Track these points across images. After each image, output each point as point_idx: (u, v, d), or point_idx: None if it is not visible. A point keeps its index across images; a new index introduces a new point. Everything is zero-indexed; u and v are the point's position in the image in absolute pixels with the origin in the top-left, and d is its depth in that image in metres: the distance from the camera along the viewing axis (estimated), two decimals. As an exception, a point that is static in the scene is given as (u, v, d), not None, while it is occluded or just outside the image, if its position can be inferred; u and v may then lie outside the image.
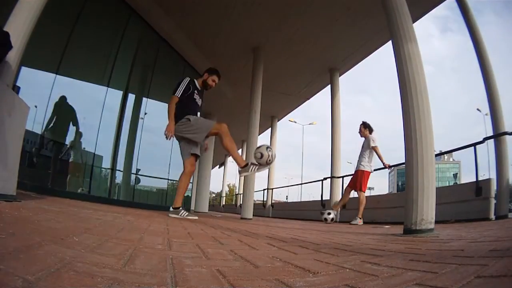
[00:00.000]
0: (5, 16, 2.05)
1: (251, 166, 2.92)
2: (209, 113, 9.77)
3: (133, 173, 5.70)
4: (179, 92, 3.12)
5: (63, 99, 4.33)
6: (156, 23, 5.69)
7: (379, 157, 4.73)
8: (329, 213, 4.85)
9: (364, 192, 4.69)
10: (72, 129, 4.52)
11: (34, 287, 0.46)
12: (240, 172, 3.02)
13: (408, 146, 2.22)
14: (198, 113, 3.31)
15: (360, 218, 4.47)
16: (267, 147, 2.94)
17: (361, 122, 4.99)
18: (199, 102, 3.34)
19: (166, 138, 3.06)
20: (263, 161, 2.88)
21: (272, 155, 2.89)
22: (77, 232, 1.06)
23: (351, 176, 5.04)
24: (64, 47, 4.10)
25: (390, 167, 4.97)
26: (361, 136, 4.90)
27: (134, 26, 5.37)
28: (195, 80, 3.33)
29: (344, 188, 5.13)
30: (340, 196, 6.44)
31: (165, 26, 5.85)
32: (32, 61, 3.64)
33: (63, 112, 4.38)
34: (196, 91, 3.28)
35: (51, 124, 4.17)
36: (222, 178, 19.97)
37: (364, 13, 5.35)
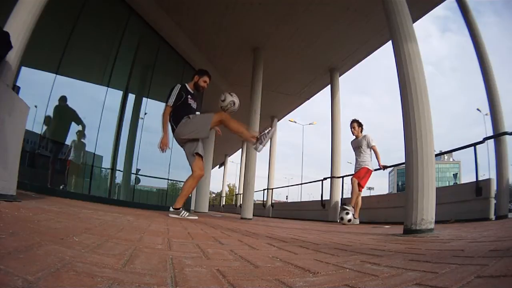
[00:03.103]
0: (5, 16, 2.05)
1: (262, 137, 2.95)
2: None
3: (133, 173, 5.70)
4: (171, 101, 3.07)
5: (63, 99, 4.33)
6: (156, 23, 5.69)
7: (377, 156, 4.70)
8: (347, 213, 4.44)
9: (363, 187, 4.66)
10: (72, 129, 4.52)
11: (34, 287, 0.46)
12: (256, 149, 3.00)
13: (408, 146, 2.22)
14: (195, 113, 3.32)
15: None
16: (230, 93, 3.17)
17: (354, 120, 4.85)
18: (194, 105, 3.28)
19: (161, 151, 3.04)
20: (236, 108, 3.15)
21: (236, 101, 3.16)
22: (77, 232, 1.06)
23: (355, 173, 4.77)
24: (64, 47, 4.10)
25: (385, 168, 4.92)
26: (355, 135, 4.81)
27: (134, 26, 5.37)
28: (186, 85, 3.28)
29: (350, 189, 4.96)
30: (341, 196, 6.45)
31: (165, 26, 5.85)
32: (32, 61, 3.64)
33: (64, 113, 4.39)
34: (189, 96, 3.23)
35: (52, 126, 4.17)
36: (222, 178, 20.00)
37: (364, 13, 5.35)
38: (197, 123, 3.07)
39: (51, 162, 4.25)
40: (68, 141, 4.55)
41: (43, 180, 4.14)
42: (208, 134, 3.05)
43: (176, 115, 3.12)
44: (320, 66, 7.27)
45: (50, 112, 4.10)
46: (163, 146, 3.02)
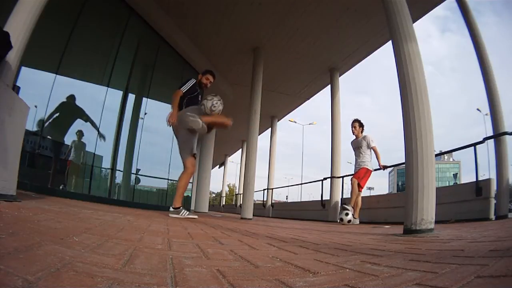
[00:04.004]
0: (5, 16, 2.05)
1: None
2: (209, 113, 9.75)
3: (133, 173, 5.70)
4: (184, 88, 3.23)
5: (71, 97, 4.36)
6: (156, 23, 5.68)
7: (377, 157, 4.70)
8: (347, 214, 4.41)
9: (362, 188, 4.66)
10: (73, 129, 4.53)
11: (34, 287, 0.46)
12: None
13: (408, 146, 2.22)
14: None
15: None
16: (212, 98, 3.19)
17: (355, 120, 4.85)
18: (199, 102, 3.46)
19: (168, 125, 3.12)
20: (217, 109, 3.20)
21: (218, 103, 3.21)
22: (77, 232, 1.06)
23: (355, 174, 4.78)
24: (64, 47, 4.10)
25: (385, 168, 4.91)
26: (355, 135, 4.80)
27: (134, 26, 5.37)
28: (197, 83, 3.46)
29: (350, 189, 4.93)
30: (341, 196, 6.45)
31: (165, 26, 5.85)
32: (32, 61, 3.64)
33: (69, 110, 4.40)
34: (199, 94, 3.44)
35: (53, 123, 4.17)
36: (222, 178, 20.00)
37: (364, 13, 5.35)
38: (197, 112, 3.20)
39: (54, 162, 4.26)
40: (69, 141, 4.56)
41: (43, 180, 4.14)
42: (199, 125, 3.09)
43: (187, 107, 3.25)
44: (320, 66, 7.26)
45: (51, 112, 4.10)
46: (170, 119, 3.12)
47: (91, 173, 4.89)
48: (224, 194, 21.63)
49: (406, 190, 2.18)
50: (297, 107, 10.18)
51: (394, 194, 16.84)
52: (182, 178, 3.20)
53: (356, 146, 4.77)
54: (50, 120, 4.11)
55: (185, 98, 3.26)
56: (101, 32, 4.99)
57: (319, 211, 6.79)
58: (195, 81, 3.36)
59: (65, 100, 4.31)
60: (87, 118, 4.57)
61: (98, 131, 4.61)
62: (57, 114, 4.19)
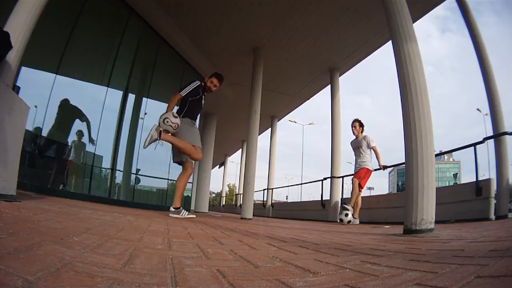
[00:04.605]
0: (5, 16, 2.05)
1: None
2: (210, 113, 9.77)
3: (133, 173, 5.70)
4: (184, 92, 3.17)
5: (66, 100, 4.36)
6: (156, 23, 5.69)
7: (377, 157, 4.70)
8: (346, 214, 4.38)
9: (363, 188, 4.66)
10: (74, 129, 4.54)
11: (34, 287, 0.46)
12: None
13: (408, 146, 2.22)
14: (198, 115, 3.44)
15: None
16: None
17: (356, 120, 4.86)
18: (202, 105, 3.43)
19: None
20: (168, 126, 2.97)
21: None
22: (77, 232, 1.06)
23: (355, 174, 4.79)
24: (64, 47, 4.10)
25: (385, 168, 4.91)
26: (355, 134, 4.81)
27: (134, 26, 5.37)
28: (202, 85, 3.40)
29: (351, 188, 4.92)
30: (341, 196, 6.45)
31: (165, 26, 5.85)
32: (32, 61, 3.64)
33: (67, 110, 4.40)
34: (203, 96, 3.38)
35: (53, 123, 4.18)
36: (222, 178, 20.00)
37: (364, 13, 5.35)
38: (190, 134, 3.19)
39: (55, 162, 4.27)
40: (69, 141, 4.56)
41: (43, 180, 4.14)
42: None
43: (191, 111, 3.24)
44: (320, 66, 7.26)
45: (51, 112, 4.10)
46: None
47: (91, 173, 4.89)
48: (224, 194, 21.63)
49: (406, 190, 2.18)
50: (297, 107, 10.18)
51: (394, 194, 16.85)
52: (181, 179, 3.22)
53: (356, 146, 4.77)
54: (51, 121, 4.12)
55: (187, 101, 3.19)
56: (101, 32, 4.99)
57: (319, 211, 6.79)
58: (199, 83, 3.27)
59: (60, 103, 4.30)
60: (85, 119, 4.57)
61: (89, 135, 4.59)
62: (57, 115, 4.20)
